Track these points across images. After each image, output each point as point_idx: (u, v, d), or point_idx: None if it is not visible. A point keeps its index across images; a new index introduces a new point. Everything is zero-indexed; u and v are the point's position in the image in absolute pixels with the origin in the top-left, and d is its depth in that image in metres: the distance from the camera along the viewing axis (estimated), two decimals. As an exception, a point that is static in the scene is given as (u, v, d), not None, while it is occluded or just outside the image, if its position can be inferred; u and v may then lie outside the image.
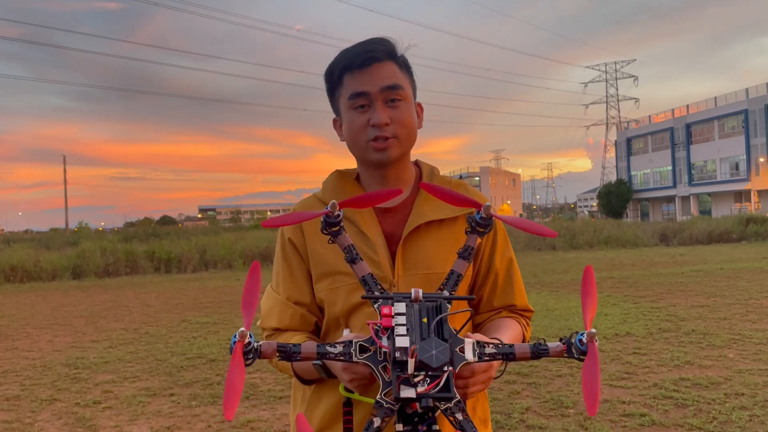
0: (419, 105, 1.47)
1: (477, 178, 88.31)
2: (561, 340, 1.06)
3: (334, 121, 1.47)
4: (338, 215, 1.11)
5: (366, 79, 1.36)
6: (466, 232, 1.19)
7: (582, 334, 1.02)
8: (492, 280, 1.48)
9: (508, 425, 4.37)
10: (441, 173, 1.54)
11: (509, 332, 1.38)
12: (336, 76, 1.40)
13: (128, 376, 6.11)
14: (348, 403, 1.26)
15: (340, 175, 1.51)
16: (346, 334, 1.29)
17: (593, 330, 1.01)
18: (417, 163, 1.53)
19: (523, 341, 1.43)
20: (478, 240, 1.18)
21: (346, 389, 1.24)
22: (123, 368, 6.48)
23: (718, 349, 6.35)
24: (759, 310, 8.57)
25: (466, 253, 1.18)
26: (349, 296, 1.36)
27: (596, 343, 1.01)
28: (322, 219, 1.13)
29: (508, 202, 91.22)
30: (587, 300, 1.06)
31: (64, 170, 71.51)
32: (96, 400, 5.33)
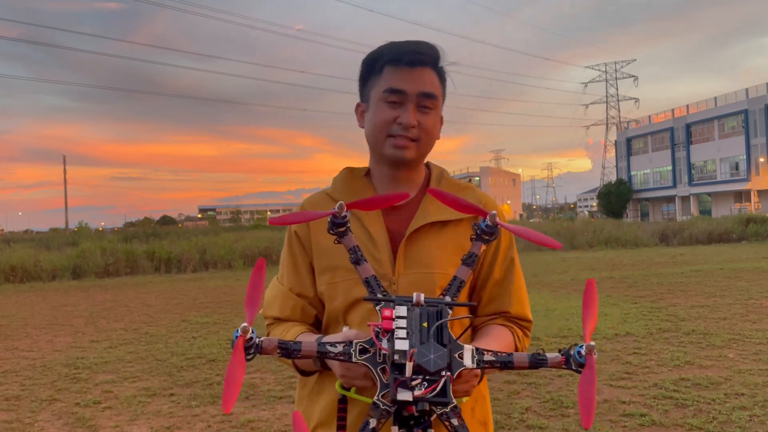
0: (441, 117, 1.48)
1: (477, 178, 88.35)
2: (560, 351, 1.07)
3: (358, 105, 1.48)
4: (345, 216, 1.12)
5: (408, 79, 1.37)
6: (471, 239, 1.19)
7: (581, 347, 1.02)
8: (490, 285, 1.46)
9: (508, 425, 4.37)
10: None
11: (495, 341, 1.35)
12: (379, 65, 1.40)
13: (128, 376, 6.11)
14: (343, 400, 1.27)
15: (350, 172, 1.52)
16: (345, 331, 1.29)
17: (592, 343, 1.01)
18: (427, 165, 1.54)
19: (515, 351, 1.41)
20: (483, 247, 1.18)
21: (342, 387, 1.25)
22: (123, 368, 6.48)
23: (718, 349, 6.35)
24: (759, 310, 8.57)
25: (470, 260, 1.18)
26: (349, 291, 1.37)
27: (595, 357, 1.01)
28: (329, 219, 1.13)
29: (508, 202, 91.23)
30: (588, 313, 1.06)
31: (64, 170, 71.57)
32: (96, 400, 5.33)
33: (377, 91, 1.40)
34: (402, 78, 1.37)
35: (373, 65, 1.42)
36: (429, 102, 1.39)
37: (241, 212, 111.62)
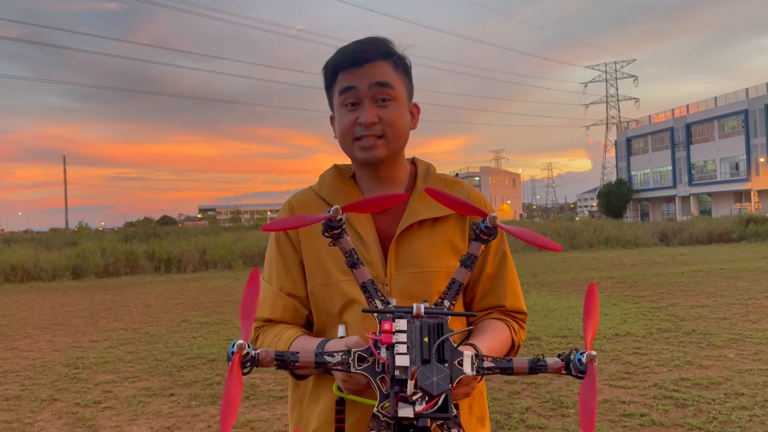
0: (415, 106, 1.46)
1: (477, 178, 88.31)
2: (559, 356, 1.06)
3: (331, 117, 1.47)
4: (341, 219, 1.10)
5: (356, 77, 1.36)
6: (470, 239, 1.17)
7: (581, 354, 1.02)
8: (483, 280, 1.45)
9: (508, 425, 4.37)
10: (439, 172, 1.52)
11: (494, 336, 1.35)
12: (330, 73, 1.40)
13: (128, 376, 6.11)
14: (341, 402, 1.25)
15: (337, 171, 1.50)
16: (341, 331, 1.28)
17: (593, 352, 1.00)
18: (413, 161, 1.52)
19: (512, 345, 1.41)
20: (481, 248, 1.17)
21: (340, 389, 1.24)
22: (123, 368, 6.48)
23: (718, 349, 6.35)
24: (759, 310, 8.57)
25: (468, 262, 1.16)
26: (344, 292, 1.35)
27: (595, 365, 1.00)
28: (323, 222, 1.12)
29: (508, 202, 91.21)
30: (589, 319, 1.04)
31: (64, 170, 71.49)
32: (96, 400, 5.33)
33: (336, 97, 1.39)
34: (351, 78, 1.36)
35: (327, 74, 1.42)
36: (384, 92, 1.35)
37: (241, 212, 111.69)
